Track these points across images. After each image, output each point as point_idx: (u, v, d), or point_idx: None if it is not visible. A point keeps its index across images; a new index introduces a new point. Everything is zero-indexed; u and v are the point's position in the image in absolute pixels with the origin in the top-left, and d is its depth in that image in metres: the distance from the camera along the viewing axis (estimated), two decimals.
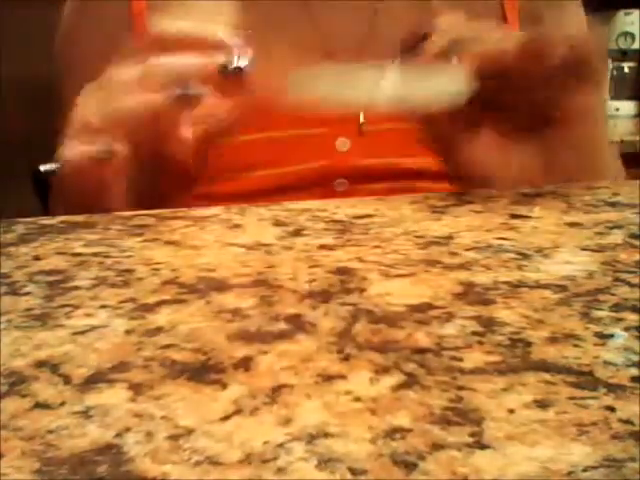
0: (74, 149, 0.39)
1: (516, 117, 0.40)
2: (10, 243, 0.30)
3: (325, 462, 0.14)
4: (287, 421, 0.15)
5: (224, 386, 0.17)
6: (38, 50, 0.64)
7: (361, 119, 0.54)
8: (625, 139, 1.47)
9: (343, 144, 0.55)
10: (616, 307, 0.21)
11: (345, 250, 0.28)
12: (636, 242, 0.28)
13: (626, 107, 1.83)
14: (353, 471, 0.13)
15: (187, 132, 0.38)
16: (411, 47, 0.40)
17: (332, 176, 0.55)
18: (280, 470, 0.13)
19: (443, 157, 0.45)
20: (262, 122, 0.47)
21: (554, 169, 0.42)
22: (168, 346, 0.19)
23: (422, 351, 0.19)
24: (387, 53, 0.40)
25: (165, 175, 0.39)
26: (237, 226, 0.32)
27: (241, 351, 0.19)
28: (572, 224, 0.31)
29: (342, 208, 0.35)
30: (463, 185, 0.44)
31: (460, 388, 0.17)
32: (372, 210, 0.34)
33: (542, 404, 0.16)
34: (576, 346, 0.19)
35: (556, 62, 0.37)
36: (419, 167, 0.55)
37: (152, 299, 0.23)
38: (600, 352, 0.18)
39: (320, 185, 0.55)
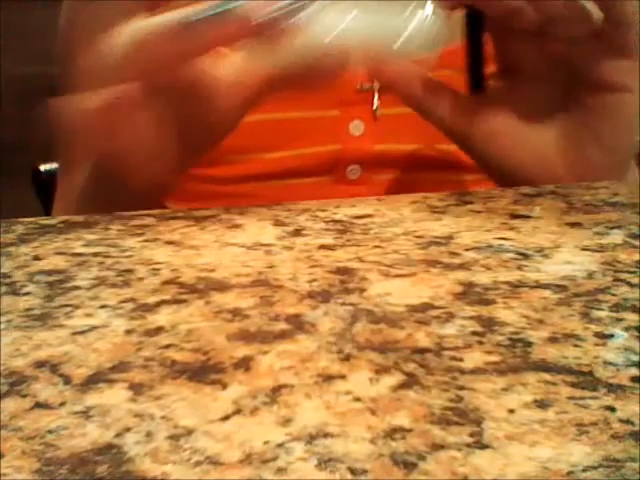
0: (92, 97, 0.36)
1: (538, 88, 0.38)
2: (10, 243, 0.30)
3: (325, 462, 0.14)
4: (287, 421, 0.15)
5: (224, 386, 0.17)
6: (38, 50, 0.64)
7: (375, 103, 0.51)
8: None
9: (356, 128, 0.52)
10: (616, 307, 0.21)
11: (345, 250, 0.28)
12: (636, 242, 0.28)
13: None
14: (353, 471, 0.13)
15: (231, 89, 0.34)
16: None
17: (344, 161, 0.52)
18: (280, 470, 0.13)
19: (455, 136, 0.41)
20: (271, 102, 0.46)
21: (577, 156, 0.41)
22: (168, 346, 0.19)
23: (422, 351, 0.19)
24: None
25: (184, 136, 0.36)
26: (237, 226, 0.32)
27: (241, 351, 0.19)
28: (572, 224, 0.31)
29: (342, 208, 0.35)
30: (490, 175, 0.43)
31: (460, 388, 0.17)
32: (372, 210, 0.34)
33: (542, 404, 0.16)
34: (576, 346, 0.19)
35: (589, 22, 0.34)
36: (441, 155, 0.52)
37: (152, 299, 0.23)
38: (600, 352, 0.18)
39: (331, 172, 0.52)
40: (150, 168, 0.37)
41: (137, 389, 0.17)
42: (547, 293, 0.23)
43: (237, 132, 0.52)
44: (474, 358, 0.18)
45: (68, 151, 0.44)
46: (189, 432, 0.15)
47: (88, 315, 0.21)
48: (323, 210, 0.34)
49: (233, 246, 0.28)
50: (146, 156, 0.36)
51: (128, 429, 0.15)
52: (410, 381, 0.17)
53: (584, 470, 0.13)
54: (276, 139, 0.52)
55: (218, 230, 0.31)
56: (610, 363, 0.18)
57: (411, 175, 0.52)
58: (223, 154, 0.51)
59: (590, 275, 0.24)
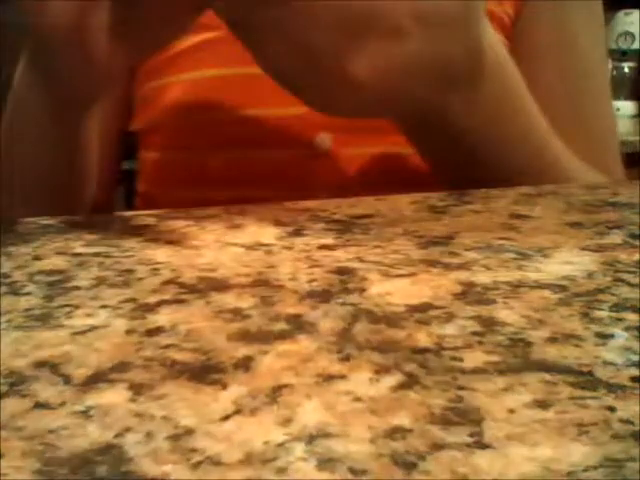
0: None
1: None
2: (10, 243, 0.30)
3: (325, 462, 0.14)
4: (287, 421, 0.15)
5: (224, 386, 0.17)
6: None
7: None
8: (625, 139, 1.47)
9: (322, 141, 0.49)
10: (616, 307, 0.21)
11: (345, 250, 0.28)
12: (636, 242, 0.28)
13: (626, 107, 1.83)
14: (353, 471, 0.13)
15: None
16: None
17: (312, 128, 0.49)
18: (280, 470, 0.13)
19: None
20: (231, 54, 0.43)
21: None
22: (168, 346, 0.19)
23: (422, 351, 0.19)
24: None
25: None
26: (237, 226, 0.32)
27: (241, 351, 0.19)
28: (572, 224, 0.31)
29: (342, 208, 0.35)
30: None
31: (460, 388, 0.17)
32: (372, 210, 0.34)
33: (542, 404, 0.16)
34: (576, 346, 0.19)
35: None
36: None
37: (152, 299, 0.23)
38: (600, 352, 0.18)
39: (298, 140, 0.49)
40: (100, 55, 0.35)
41: (137, 389, 0.17)
42: (547, 293, 0.23)
43: (185, 88, 0.49)
44: (474, 358, 0.18)
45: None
46: (189, 432, 0.15)
47: (88, 315, 0.21)
48: (323, 210, 0.34)
49: (233, 246, 0.28)
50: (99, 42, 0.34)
51: (128, 429, 0.15)
52: (410, 381, 0.17)
53: (584, 470, 0.13)
54: (231, 97, 0.49)
55: (218, 230, 0.31)
56: (610, 363, 0.18)
57: (392, 147, 0.49)
58: (185, 114, 0.49)
59: (590, 275, 0.24)
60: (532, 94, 0.43)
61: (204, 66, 0.51)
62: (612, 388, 0.17)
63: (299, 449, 0.14)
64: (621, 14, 1.82)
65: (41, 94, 0.40)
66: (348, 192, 0.42)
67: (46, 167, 0.43)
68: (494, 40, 0.39)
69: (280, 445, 0.14)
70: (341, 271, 0.25)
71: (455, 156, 0.41)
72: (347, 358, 0.18)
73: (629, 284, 0.23)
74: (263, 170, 0.51)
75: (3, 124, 0.45)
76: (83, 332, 0.20)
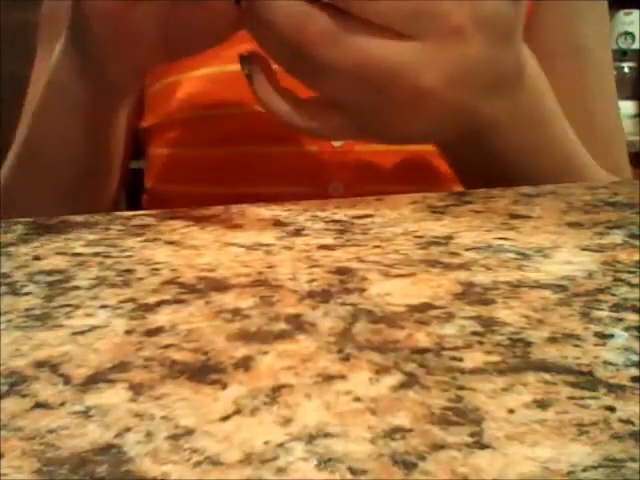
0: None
1: None
2: (10, 243, 0.30)
3: (325, 462, 0.14)
4: (287, 421, 0.15)
5: (224, 386, 0.17)
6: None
7: None
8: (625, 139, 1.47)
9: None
10: (616, 307, 0.21)
11: (345, 250, 0.28)
12: (636, 242, 0.28)
13: (626, 107, 1.83)
14: (353, 471, 0.13)
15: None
16: None
17: (324, 180, 0.50)
18: (280, 470, 0.13)
19: None
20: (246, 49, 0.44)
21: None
22: (168, 346, 0.19)
23: (422, 351, 0.19)
24: None
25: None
26: (237, 226, 0.32)
27: (241, 351, 0.19)
28: (572, 224, 0.31)
29: (342, 208, 0.35)
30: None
31: (460, 388, 0.17)
32: (372, 210, 0.34)
33: (542, 404, 0.16)
34: (576, 346, 0.19)
35: None
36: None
37: (152, 299, 0.23)
38: (600, 352, 0.18)
39: (311, 191, 0.49)
40: (135, 55, 0.36)
41: (137, 389, 0.17)
42: (547, 293, 0.23)
43: (210, 84, 0.48)
44: (474, 358, 0.18)
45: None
46: (189, 432, 0.15)
47: (88, 315, 0.21)
48: (323, 210, 0.34)
49: (233, 246, 0.28)
50: (135, 43, 0.36)
51: (128, 429, 0.15)
52: (410, 381, 0.17)
53: (584, 470, 0.13)
54: (249, 93, 0.49)
55: (218, 230, 0.31)
56: (610, 363, 0.18)
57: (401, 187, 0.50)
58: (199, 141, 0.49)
59: (590, 275, 0.24)
60: None
61: (220, 62, 0.51)
62: (612, 388, 0.17)
63: (299, 449, 0.14)
64: (621, 14, 1.82)
65: (80, 80, 0.40)
66: (361, 189, 0.41)
67: (75, 153, 0.43)
68: (526, 48, 0.39)
69: (280, 445, 0.14)
70: (341, 271, 0.25)
71: (489, 165, 0.41)
72: (347, 358, 0.18)
73: (629, 284, 0.23)
74: (277, 166, 0.51)
75: (36, 108, 0.44)
76: (83, 332, 0.20)
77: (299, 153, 0.51)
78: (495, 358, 0.18)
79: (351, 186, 0.50)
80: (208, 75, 0.52)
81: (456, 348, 0.19)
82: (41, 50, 0.57)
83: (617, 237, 0.29)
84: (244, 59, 0.36)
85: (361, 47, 0.32)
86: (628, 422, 0.15)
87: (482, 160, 0.40)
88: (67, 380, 0.17)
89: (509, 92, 0.37)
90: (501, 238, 0.29)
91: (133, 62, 0.38)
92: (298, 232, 0.30)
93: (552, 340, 0.19)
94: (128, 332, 0.20)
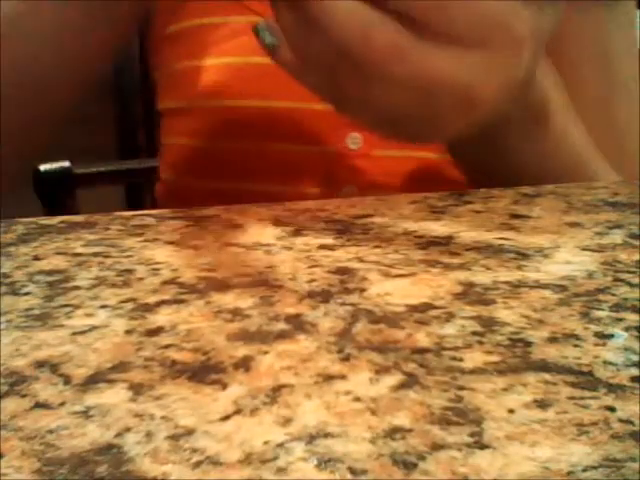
0: None
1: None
2: (10, 243, 0.30)
3: (325, 462, 0.14)
4: (287, 421, 0.15)
5: (224, 386, 0.17)
6: None
7: None
8: None
9: (353, 140, 0.49)
10: (616, 307, 0.21)
11: (345, 250, 0.28)
12: (636, 242, 0.28)
13: None
14: (353, 471, 0.13)
15: None
16: None
17: (345, 126, 0.48)
18: (280, 470, 0.13)
19: None
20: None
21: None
22: (168, 346, 0.19)
23: (422, 351, 0.19)
24: None
25: None
26: (237, 226, 0.32)
27: (241, 351, 0.19)
28: (572, 224, 0.31)
29: (342, 208, 0.35)
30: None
31: (460, 388, 0.17)
32: (372, 210, 0.34)
33: (542, 404, 0.16)
34: (576, 346, 0.19)
35: None
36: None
37: (152, 299, 0.23)
38: (600, 352, 0.18)
39: (330, 138, 0.48)
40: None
41: (137, 389, 0.17)
42: (547, 293, 0.23)
43: (236, 73, 0.46)
44: (474, 358, 0.18)
45: None
46: (189, 432, 0.15)
47: (88, 315, 0.21)
48: (323, 210, 0.34)
49: (233, 246, 0.28)
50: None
51: (128, 429, 0.15)
52: (410, 381, 0.17)
53: (584, 470, 0.13)
54: (272, 87, 0.47)
55: (218, 230, 0.31)
56: (610, 363, 0.18)
57: (421, 151, 0.49)
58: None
59: (590, 275, 0.24)
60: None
61: (247, 52, 0.50)
62: (612, 388, 0.17)
63: (299, 449, 0.14)
64: None
65: None
66: (374, 194, 0.41)
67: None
68: None
69: (280, 445, 0.14)
70: (341, 271, 0.25)
71: (499, 168, 0.41)
72: (347, 358, 0.18)
73: (629, 284, 0.23)
74: (293, 165, 0.51)
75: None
76: (83, 332, 0.20)
77: (315, 153, 0.50)
78: (495, 358, 0.18)
79: (365, 190, 0.50)
80: (233, 64, 0.51)
81: (456, 348, 0.19)
82: None
83: (617, 237, 0.29)
84: (261, 28, 0.34)
85: (428, 61, 0.31)
86: (628, 422, 0.15)
87: (493, 160, 0.40)
88: (67, 380, 0.17)
89: (520, 92, 0.37)
90: (501, 238, 0.29)
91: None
92: (298, 232, 0.30)
93: (552, 340, 0.19)
94: (128, 332, 0.20)
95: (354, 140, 0.50)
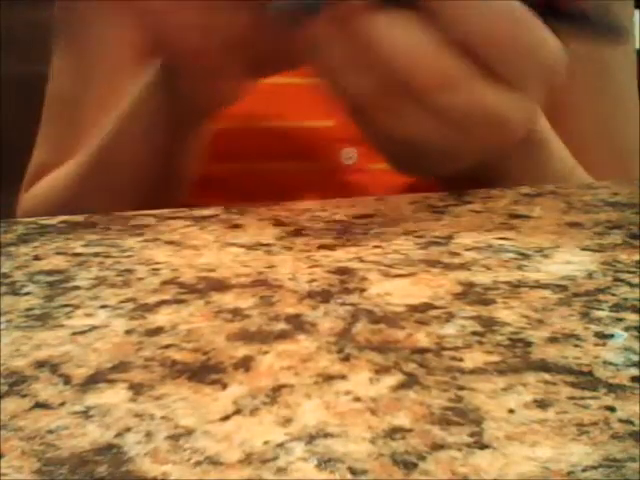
0: None
1: None
2: (10, 243, 0.30)
3: (325, 462, 0.14)
4: (287, 421, 0.15)
5: (224, 386, 0.17)
6: (38, 50, 0.64)
7: None
8: None
9: (348, 155, 0.49)
10: (616, 307, 0.21)
11: (345, 250, 0.28)
12: (636, 242, 0.28)
13: None
14: (353, 471, 0.13)
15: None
16: None
17: (339, 141, 0.48)
18: (280, 470, 0.13)
19: None
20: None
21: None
22: (168, 346, 0.19)
23: (422, 351, 0.19)
24: None
25: None
26: (237, 226, 0.32)
27: (241, 351, 0.19)
28: (572, 224, 0.31)
29: (342, 208, 0.35)
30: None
31: (460, 388, 0.17)
32: (372, 210, 0.34)
33: (542, 404, 0.16)
34: (576, 346, 0.19)
35: None
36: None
37: (152, 299, 0.23)
38: (600, 352, 0.18)
39: (325, 153, 0.48)
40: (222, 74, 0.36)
41: (137, 389, 0.17)
42: (547, 293, 0.23)
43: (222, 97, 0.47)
44: (474, 358, 0.18)
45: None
46: (189, 432, 0.15)
47: (88, 315, 0.21)
48: (323, 210, 0.34)
49: (233, 246, 0.28)
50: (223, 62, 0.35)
51: (128, 429, 0.15)
52: (410, 381, 0.17)
53: (584, 470, 0.13)
54: (262, 107, 0.47)
55: (218, 230, 0.31)
56: (610, 363, 0.18)
57: None
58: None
59: (590, 275, 0.24)
60: (563, 115, 0.43)
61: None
62: (612, 388, 0.17)
63: (299, 449, 0.14)
64: None
65: (164, 102, 0.41)
66: None
67: (147, 167, 0.43)
68: None
69: (280, 445, 0.14)
70: (341, 271, 0.25)
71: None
72: (347, 358, 0.18)
73: (629, 284, 0.23)
74: (288, 182, 0.51)
75: (116, 119, 0.44)
76: (83, 332, 0.20)
77: (311, 170, 0.50)
78: (495, 358, 0.18)
79: None
80: None
81: (456, 348, 0.19)
82: (60, 54, 0.56)
83: (617, 237, 0.29)
84: None
85: (477, 94, 0.31)
86: (628, 422, 0.15)
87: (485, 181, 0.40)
88: (67, 380, 0.17)
89: None
90: (501, 238, 0.29)
91: (221, 91, 0.37)
92: (298, 232, 0.30)
93: (552, 340, 0.19)
94: (128, 332, 0.20)
95: (349, 155, 0.49)
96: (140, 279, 0.25)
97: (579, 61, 0.51)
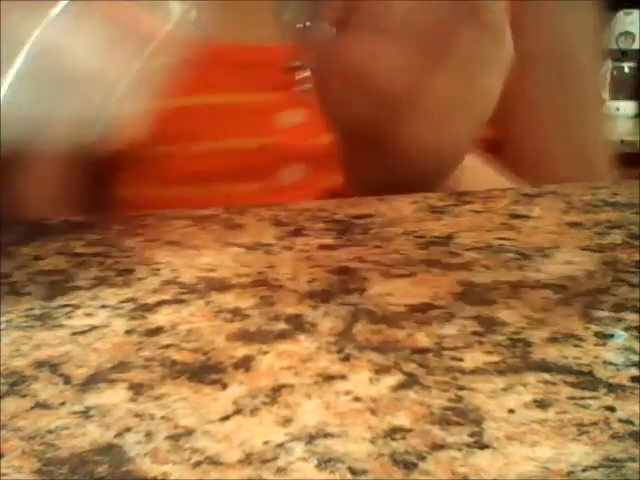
0: None
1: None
2: (10, 243, 0.30)
3: (325, 462, 0.14)
4: (287, 421, 0.15)
5: (224, 386, 0.17)
6: None
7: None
8: (625, 139, 1.47)
9: (286, 175, 0.43)
10: (616, 307, 0.21)
11: (345, 250, 0.28)
12: (636, 242, 0.28)
13: (626, 107, 1.83)
14: (353, 471, 0.13)
15: None
16: None
17: (279, 160, 0.42)
18: (280, 470, 0.13)
19: None
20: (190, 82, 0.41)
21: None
22: (168, 346, 0.19)
23: (422, 351, 0.19)
24: None
25: None
26: (237, 226, 0.32)
27: (241, 351, 0.19)
28: (572, 224, 0.31)
29: (342, 208, 0.35)
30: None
31: (460, 388, 0.17)
32: (372, 210, 0.34)
33: (542, 404, 0.16)
34: (576, 346, 0.19)
35: None
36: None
37: (152, 299, 0.23)
38: (600, 352, 0.18)
39: (264, 173, 0.42)
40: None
41: (137, 389, 0.17)
42: (547, 293, 0.23)
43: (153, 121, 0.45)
44: (474, 358, 0.18)
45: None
46: (189, 432, 0.15)
47: (88, 315, 0.21)
48: (323, 210, 0.34)
49: (233, 246, 0.28)
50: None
51: (128, 429, 0.15)
52: (410, 381, 0.17)
53: (584, 470, 0.13)
54: (194, 128, 0.42)
55: (218, 230, 0.31)
56: (610, 363, 0.18)
57: None
58: (141, 147, 0.43)
59: (590, 275, 0.24)
60: (519, 103, 0.43)
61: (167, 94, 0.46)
62: (612, 388, 0.17)
63: (299, 449, 0.14)
64: (621, 14, 1.82)
65: None
66: None
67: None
68: None
69: (280, 445, 0.14)
70: (341, 271, 0.25)
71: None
72: (347, 358, 0.18)
73: (629, 284, 0.23)
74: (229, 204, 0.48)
75: None
76: (83, 332, 0.20)
77: (248, 191, 0.46)
78: (495, 358, 0.18)
79: None
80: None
81: (456, 348, 0.19)
82: None
83: (617, 237, 0.29)
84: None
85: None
86: (628, 422, 0.15)
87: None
88: (67, 380, 0.17)
89: None
90: (501, 238, 0.29)
91: None
92: (298, 232, 0.30)
93: (552, 340, 0.19)
94: (128, 332, 0.20)
95: (291, 172, 0.46)
96: (140, 279, 0.25)
97: (535, 45, 0.50)
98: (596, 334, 0.20)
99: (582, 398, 0.16)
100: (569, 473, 0.13)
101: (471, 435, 0.15)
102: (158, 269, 0.26)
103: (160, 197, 0.46)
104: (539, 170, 0.46)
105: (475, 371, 0.17)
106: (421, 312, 0.21)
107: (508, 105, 0.42)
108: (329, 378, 0.17)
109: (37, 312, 0.22)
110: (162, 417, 0.15)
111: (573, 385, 0.17)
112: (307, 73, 0.38)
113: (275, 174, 0.43)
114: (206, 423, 0.15)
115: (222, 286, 0.24)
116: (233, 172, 0.43)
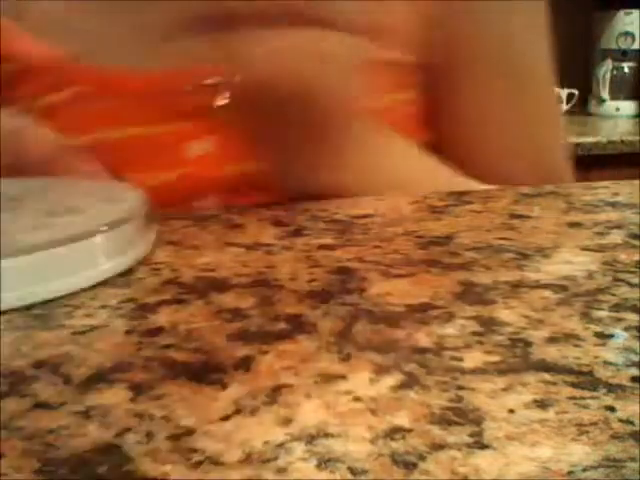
0: None
1: None
2: None
3: (325, 462, 0.14)
4: (287, 421, 0.15)
5: (224, 386, 0.17)
6: None
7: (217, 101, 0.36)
8: (625, 139, 1.47)
9: (199, 147, 0.39)
10: (616, 307, 0.21)
11: (345, 250, 0.28)
12: (636, 242, 0.28)
13: (626, 107, 1.82)
14: (353, 471, 0.13)
15: None
16: None
17: (193, 192, 0.39)
18: (280, 470, 0.13)
19: None
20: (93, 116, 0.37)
21: None
22: (168, 346, 0.19)
23: (422, 351, 0.19)
24: None
25: None
26: (237, 226, 0.32)
27: (241, 351, 0.19)
28: (572, 224, 0.31)
29: (342, 208, 0.35)
30: None
31: (460, 388, 0.17)
32: (372, 210, 0.34)
33: (542, 404, 0.16)
34: (576, 346, 0.19)
35: None
36: None
37: (152, 299, 0.23)
38: (600, 352, 0.18)
39: (176, 206, 0.38)
40: None
41: (137, 389, 0.17)
42: (547, 293, 0.23)
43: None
44: (474, 358, 0.18)
45: None
46: (189, 432, 0.15)
47: (88, 315, 0.21)
48: (323, 210, 0.34)
49: (233, 246, 0.28)
50: None
51: (128, 429, 0.15)
52: (410, 381, 0.17)
53: (584, 470, 0.13)
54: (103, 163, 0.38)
55: (218, 230, 0.31)
56: (610, 363, 0.18)
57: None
58: None
59: (590, 275, 0.24)
60: (469, 100, 0.44)
61: (70, 128, 0.39)
62: (612, 388, 0.17)
63: (299, 449, 0.14)
64: (621, 14, 1.82)
65: None
66: None
67: None
68: None
69: (280, 445, 0.14)
70: (341, 271, 0.25)
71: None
72: (347, 358, 0.18)
73: (629, 284, 0.23)
74: None
75: None
76: (83, 332, 0.20)
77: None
78: (495, 358, 0.18)
79: None
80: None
81: (456, 348, 0.19)
82: None
83: (617, 237, 0.29)
84: None
85: None
86: (628, 422, 0.15)
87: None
88: (67, 380, 0.17)
89: None
90: (501, 238, 0.29)
91: None
92: (298, 232, 0.30)
93: (552, 340, 0.19)
94: (128, 332, 0.20)
95: (207, 204, 0.41)
96: (140, 279, 0.25)
97: (490, 63, 0.50)
98: (596, 334, 0.20)
99: (582, 398, 0.16)
100: (569, 473, 0.13)
101: (471, 435, 0.15)
102: (158, 269, 0.26)
103: None
104: (481, 169, 0.46)
105: (475, 371, 0.17)
106: (421, 312, 0.21)
107: (447, 107, 0.43)
108: (329, 378, 0.17)
109: (37, 312, 0.22)
110: (162, 417, 0.15)
111: (573, 385, 0.17)
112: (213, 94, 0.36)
113: (188, 207, 0.39)
114: (206, 423, 0.15)
115: (222, 286, 0.24)
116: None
